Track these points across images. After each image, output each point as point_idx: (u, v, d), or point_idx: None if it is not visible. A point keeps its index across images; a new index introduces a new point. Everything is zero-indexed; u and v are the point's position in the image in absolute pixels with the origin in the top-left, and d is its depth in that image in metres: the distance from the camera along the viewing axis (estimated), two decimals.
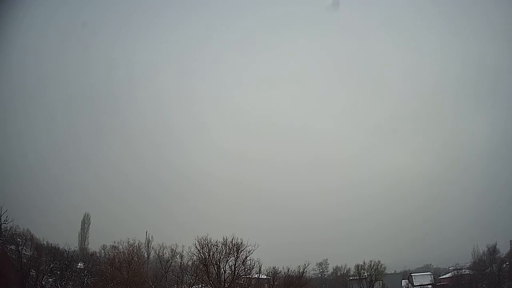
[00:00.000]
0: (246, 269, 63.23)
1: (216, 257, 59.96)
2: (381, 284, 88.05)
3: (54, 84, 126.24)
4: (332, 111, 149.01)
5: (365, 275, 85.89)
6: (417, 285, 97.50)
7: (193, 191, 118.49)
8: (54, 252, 63.11)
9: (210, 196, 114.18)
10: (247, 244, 60.41)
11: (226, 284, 59.93)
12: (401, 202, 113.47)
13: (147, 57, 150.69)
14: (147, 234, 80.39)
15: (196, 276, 62.26)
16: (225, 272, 60.67)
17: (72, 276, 63.72)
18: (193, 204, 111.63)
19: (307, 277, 76.12)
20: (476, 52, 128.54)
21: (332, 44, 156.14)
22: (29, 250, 62.27)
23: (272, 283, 70.59)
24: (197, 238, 59.56)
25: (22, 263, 55.81)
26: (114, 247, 68.11)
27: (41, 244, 64.06)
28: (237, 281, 62.73)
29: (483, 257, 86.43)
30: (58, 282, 60.59)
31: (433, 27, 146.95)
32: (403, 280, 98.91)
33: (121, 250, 62.58)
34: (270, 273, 71.84)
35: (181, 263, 65.19)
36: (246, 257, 61.30)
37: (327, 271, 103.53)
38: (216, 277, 60.07)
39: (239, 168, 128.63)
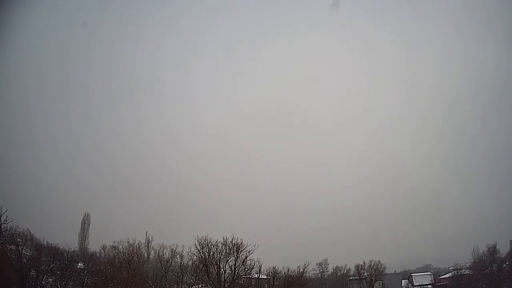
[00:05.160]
0: (246, 269, 63.17)
1: (216, 257, 59.87)
2: (381, 284, 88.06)
3: (53, 84, 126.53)
4: (334, 111, 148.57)
5: (365, 275, 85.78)
6: (417, 285, 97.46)
7: (192, 191, 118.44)
8: (54, 252, 63.24)
9: (210, 196, 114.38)
10: (247, 244, 60.48)
11: (226, 284, 59.89)
12: (401, 203, 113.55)
13: (144, 58, 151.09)
14: (147, 234, 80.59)
15: (196, 276, 62.25)
16: (225, 272, 60.61)
17: (72, 276, 63.76)
18: (193, 205, 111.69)
19: (307, 277, 76.13)
20: (480, 52, 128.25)
21: (333, 44, 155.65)
22: (29, 250, 62.32)
23: (272, 283, 70.47)
24: (197, 238, 59.61)
25: (22, 263, 55.75)
26: (114, 247, 68.10)
27: (41, 244, 64.20)
28: (237, 281, 62.70)
29: (483, 257, 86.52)
30: (58, 282, 60.59)
31: (435, 24, 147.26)
32: (403, 280, 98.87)
33: (121, 250, 62.71)
34: (270, 273, 71.71)
35: (181, 263, 65.17)
36: (246, 257, 61.32)
37: (327, 271, 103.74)
38: (216, 277, 60.02)
39: (239, 169, 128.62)
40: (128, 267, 55.90)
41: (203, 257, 59.73)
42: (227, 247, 60.19)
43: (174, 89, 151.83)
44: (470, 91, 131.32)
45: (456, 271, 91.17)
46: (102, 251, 78.58)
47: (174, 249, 66.41)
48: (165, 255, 66.28)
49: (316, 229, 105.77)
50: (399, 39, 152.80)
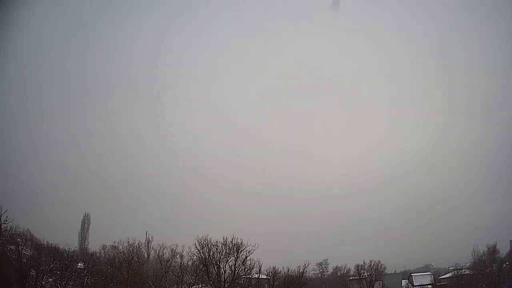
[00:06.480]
0: (246, 269, 63.12)
1: (216, 257, 59.77)
2: (381, 284, 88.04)
3: (52, 84, 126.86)
4: (339, 113, 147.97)
5: (365, 275, 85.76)
6: (417, 285, 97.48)
7: (192, 193, 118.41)
8: (54, 252, 63.23)
9: (210, 197, 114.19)
10: (247, 244, 60.41)
11: (226, 284, 59.86)
12: (401, 204, 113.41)
13: (144, 58, 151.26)
14: (147, 234, 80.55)
15: (196, 276, 62.24)
16: (225, 272, 60.55)
17: (72, 276, 63.75)
18: (193, 207, 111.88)
19: (307, 277, 76.08)
20: (480, 50, 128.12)
21: (333, 44, 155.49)
22: (29, 250, 62.32)
23: (272, 283, 70.45)
24: (197, 238, 59.54)
25: (22, 263, 55.71)
26: (114, 247, 68.06)
27: (41, 244, 64.20)
28: (237, 281, 62.67)
29: (483, 257, 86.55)
30: (58, 282, 60.58)
31: (437, 22, 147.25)
32: (403, 280, 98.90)
33: (121, 250, 62.58)
34: (270, 273, 71.70)
35: (181, 263, 65.14)
36: (246, 257, 61.25)
37: (327, 271, 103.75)
38: (216, 277, 59.98)
39: (239, 173, 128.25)
40: (128, 267, 55.80)
41: (203, 257, 59.67)
42: (227, 247, 60.14)
43: (173, 90, 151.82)
44: (474, 91, 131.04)
45: (456, 271, 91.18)
46: (102, 251, 78.66)
47: (174, 249, 66.54)
48: (165, 255, 66.36)
49: (317, 230, 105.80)
50: (400, 38, 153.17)
